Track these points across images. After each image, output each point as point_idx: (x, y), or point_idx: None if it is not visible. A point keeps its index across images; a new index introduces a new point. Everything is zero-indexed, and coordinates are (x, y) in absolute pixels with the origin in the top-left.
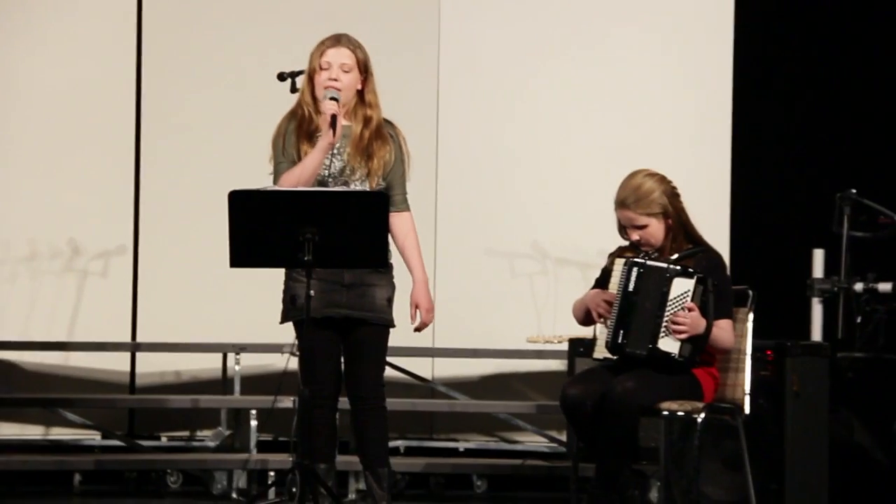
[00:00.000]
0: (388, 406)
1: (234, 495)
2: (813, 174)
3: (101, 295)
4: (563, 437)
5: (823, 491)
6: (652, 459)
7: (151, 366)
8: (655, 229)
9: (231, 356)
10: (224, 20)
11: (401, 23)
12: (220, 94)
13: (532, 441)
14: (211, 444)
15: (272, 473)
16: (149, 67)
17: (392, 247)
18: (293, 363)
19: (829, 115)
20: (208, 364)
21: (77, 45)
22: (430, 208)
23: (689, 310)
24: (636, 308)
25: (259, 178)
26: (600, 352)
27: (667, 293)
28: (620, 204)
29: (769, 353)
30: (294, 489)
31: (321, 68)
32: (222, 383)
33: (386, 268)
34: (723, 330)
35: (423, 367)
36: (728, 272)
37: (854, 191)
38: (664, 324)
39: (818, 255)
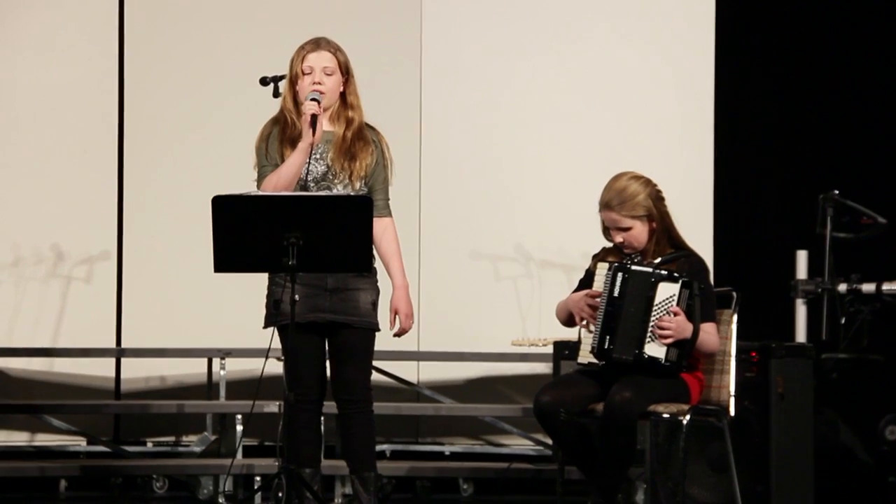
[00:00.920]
0: (374, 410)
1: (221, 500)
2: (796, 176)
3: (85, 301)
4: (549, 441)
5: (809, 492)
6: (638, 462)
7: (136, 371)
8: (639, 232)
9: (216, 361)
10: (207, 24)
11: (383, 28)
12: (203, 98)
13: (518, 444)
14: (197, 449)
15: (258, 478)
16: (131, 72)
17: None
18: (270, 368)
19: (812, 117)
20: (193, 369)
21: (59, 50)
22: (414, 212)
23: (675, 314)
24: (621, 313)
25: (243, 182)
26: (585, 356)
27: (652, 298)
28: (605, 206)
29: (754, 354)
30: (280, 494)
31: (304, 73)
32: (207, 388)
33: (370, 272)
34: (707, 333)
35: (408, 371)
36: (710, 276)
37: (837, 192)
38: (650, 329)
39: (802, 257)
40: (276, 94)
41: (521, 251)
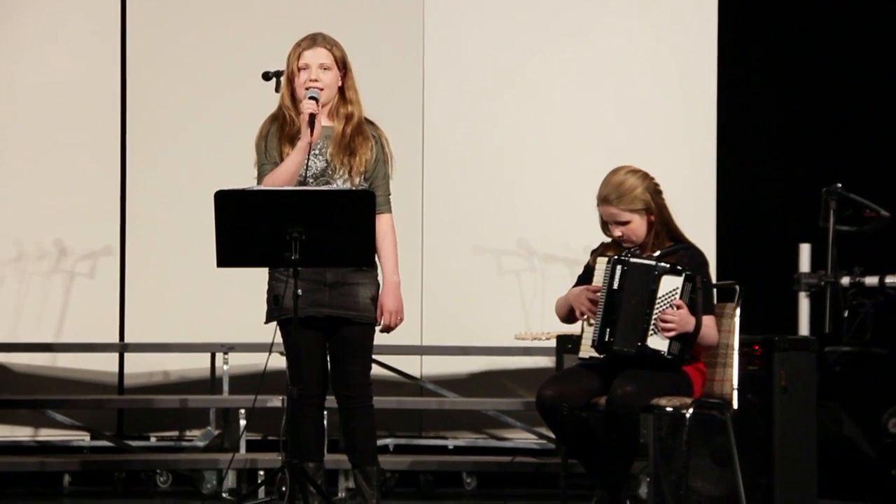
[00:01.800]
0: (376, 404)
1: (224, 495)
2: (799, 169)
3: (88, 296)
4: (552, 434)
5: (812, 484)
6: (641, 455)
7: (140, 366)
8: (638, 225)
9: (219, 356)
10: (209, 18)
11: (385, 20)
12: (206, 93)
13: (521, 438)
14: (200, 443)
15: (262, 473)
16: (134, 67)
17: None
18: (274, 363)
19: (816, 110)
20: (197, 364)
21: (61, 45)
22: (417, 206)
23: (678, 307)
24: (622, 306)
25: (247, 177)
26: (586, 351)
27: (655, 291)
28: (603, 200)
29: (757, 347)
30: (283, 488)
31: (300, 69)
32: (211, 383)
33: (370, 267)
34: (707, 327)
35: (411, 365)
36: (710, 269)
37: (840, 185)
38: (653, 321)
39: (805, 250)
40: (278, 88)
41: (523, 245)
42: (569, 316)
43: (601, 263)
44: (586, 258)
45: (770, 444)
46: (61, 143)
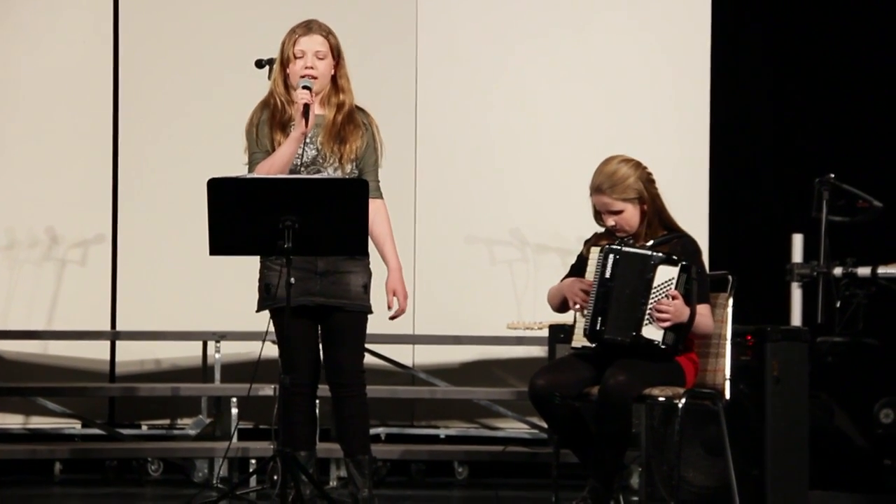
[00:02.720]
0: (368, 393)
1: (216, 483)
2: (791, 159)
3: (80, 283)
4: (545, 424)
5: (804, 475)
6: (633, 445)
7: (131, 354)
8: (631, 215)
9: (211, 344)
10: (201, 8)
11: (379, 9)
12: (198, 81)
13: (513, 427)
14: (191, 432)
15: (253, 461)
16: (126, 55)
17: None
18: (265, 351)
19: (808, 100)
20: (188, 352)
21: (53, 34)
22: (410, 196)
23: (673, 297)
24: (614, 295)
25: (238, 165)
26: (578, 340)
27: (651, 280)
28: (596, 189)
29: (749, 338)
30: (275, 477)
31: (295, 57)
32: (202, 371)
33: (363, 255)
34: (702, 315)
35: (403, 355)
36: (703, 257)
37: (832, 175)
38: (648, 311)
39: (797, 240)
40: (271, 76)
41: (516, 235)
42: (561, 306)
43: (594, 253)
44: (579, 248)
45: (762, 435)
46: (53, 131)
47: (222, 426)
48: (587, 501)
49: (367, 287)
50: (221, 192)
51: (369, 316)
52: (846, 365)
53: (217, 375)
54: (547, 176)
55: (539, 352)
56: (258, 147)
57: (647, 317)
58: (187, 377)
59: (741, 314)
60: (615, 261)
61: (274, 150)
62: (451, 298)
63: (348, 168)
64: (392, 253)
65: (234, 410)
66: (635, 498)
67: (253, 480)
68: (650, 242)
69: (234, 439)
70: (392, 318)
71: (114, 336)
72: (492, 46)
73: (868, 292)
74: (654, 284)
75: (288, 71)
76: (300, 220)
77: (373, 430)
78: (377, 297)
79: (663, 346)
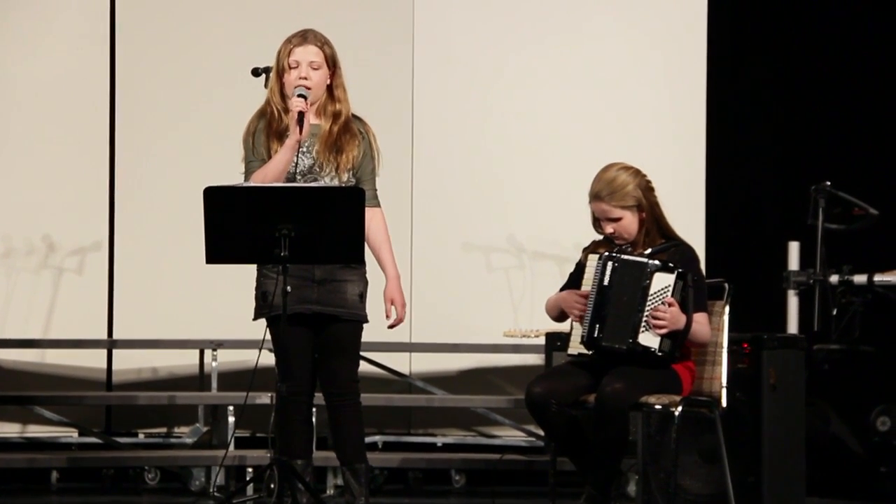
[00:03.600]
0: (365, 401)
1: (212, 492)
2: (788, 166)
3: (76, 292)
4: (541, 432)
5: (800, 482)
6: (630, 453)
7: (128, 362)
8: (629, 222)
9: (208, 352)
10: (198, 14)
11: (375, 17)
12: (194, 88)
13: (510, 435)
14: (188, 440)
15: (250, 469)
16: (122, 63)
17: None
18: (264, 360)
19: (804, 108)
20: (185, 360)
21: (50, 41)
22: (406, 203)
23: (670, 305)
24: (612, 302)
25: (235, 174)
26: (575, 347)
27: (647, 287)
28: (595, 196)
29: (745, 345)
30: (272, 485)
31: (290, 67)
32: (199, 380)
33: (360, 264)
34: (700, 324)
35: (400, 363)
36: (701, 265)
37: (829, 183)
38: (644, 318)
39: (793, 248)
40: (268, 84)
41: (513, 242)
42: (560, 315)
43: (592, 260)
44: (576, 255)
45: (759, 442)
46: (50, 139)
47: (219, 434)
48: None
49: (363, 296)
50: (218, 201)
51: (365, 325)
52: (843, 372)
53: (214, 384)
54: (544, 183)
55: (536, 360)
56: (254, 156)
57: (643, 324)
58: (184, 385)
59: (738, 322)
60: (613, 268)
61: (270, 158)
62: (448, 306)
63: (345, 177)
64: (390, 261)
65: (231, 419)
66: None
67: (250, 489)
68: (648, 250)
69: (231, 447)
70: (390, 326)
71: (111, 344)
72: (488, 53)
73: (864, 300)
74: (651, 292)
75: (283, 80)
76: (296, 229)
77: (370, 439)
78: (375, 305)
79: (660, 354)
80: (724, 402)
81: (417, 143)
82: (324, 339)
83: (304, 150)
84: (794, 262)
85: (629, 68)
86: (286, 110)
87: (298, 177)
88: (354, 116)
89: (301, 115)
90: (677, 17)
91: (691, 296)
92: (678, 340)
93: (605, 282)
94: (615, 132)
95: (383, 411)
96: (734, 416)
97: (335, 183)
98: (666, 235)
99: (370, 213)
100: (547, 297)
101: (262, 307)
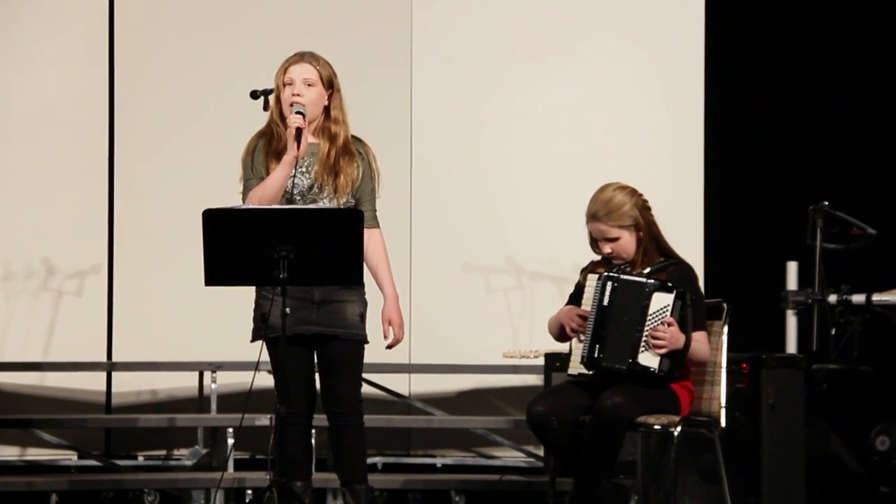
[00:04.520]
0: (365, 422)
1: None
2: (786, 186)
3: (76, 314)
4: (541, 452)
5: (800, 502)
6: (629, 473)
7: (127, 385)
8: (627, 242)
9: (207, 374)
10: (197, 35)
11: (373, 37)
12: (194, 110)
13: (509, 456)
14: (188, 462)
15: (249, 491)
16: (121, 85)
17: None
18: (261, 381)
19: (802, 128)
20: (185, 382)
21: (49, 64)
22: (405, 224)
23: (669, 324)
24: (612, 322)
25: (233, 195)
26: (575, 367)
27: (646, 307)
28: (592, 217)
29: (744, 365)
30: None
31: (285, 84)
32: (199, 402)
33: (358, 284)
34: (699, 343)
35: (399, 384)
36: (700, 284)
37: (826, 203)
38: (644, 338)
39: (792, 268)
40: (266, 107)
41: (512, 263)
42: (560, 334)
43: (591, 280)
44: (575, 276)
45: (758, 462)
46: (49, 162)
47: (219, 456)
48: None
49: (363, 316)
50: (217, 223)
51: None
52: (842, 392)
53: (213, 406)
54: (542, 203)
55: (535, 380)
56: (253, 174)
57: (643, 344)
58: (183, 408)
59: (736, 342)
60: (613, 288)
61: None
62: (447, 327)
63: (343, 199)
64: (388, 282)
65: (231, 441)
66: None
67: None
68: (647, 270)
69: (231, 469)
70: (389, 347)
71: (110, 367)
72: (487, 73)
73: (863, 319)
74: (650, 311)
75: (281, 100)
76: (295, 251)
77: (369, 460)
78: (373, 326)
79: (659, 374)
80: (723, 422)
81: (416, 163)
82: (325, 360)
83: (304, 169)
84: (792, 282)
85: (627, 89)
86: (286, 129)
87: (297, 197)
88: (354, 137)
89: (299, 131)
90: (675, 36)
91: (690, 315)
92: (677, 360)
93: (605, 302)
94: (613, 152)
95: (383, 432)
96: (733, 436)
97: (334, 204)
98: (664, 254)
99: (368, 234)
100: (546, 318)
101: (261, 329)
